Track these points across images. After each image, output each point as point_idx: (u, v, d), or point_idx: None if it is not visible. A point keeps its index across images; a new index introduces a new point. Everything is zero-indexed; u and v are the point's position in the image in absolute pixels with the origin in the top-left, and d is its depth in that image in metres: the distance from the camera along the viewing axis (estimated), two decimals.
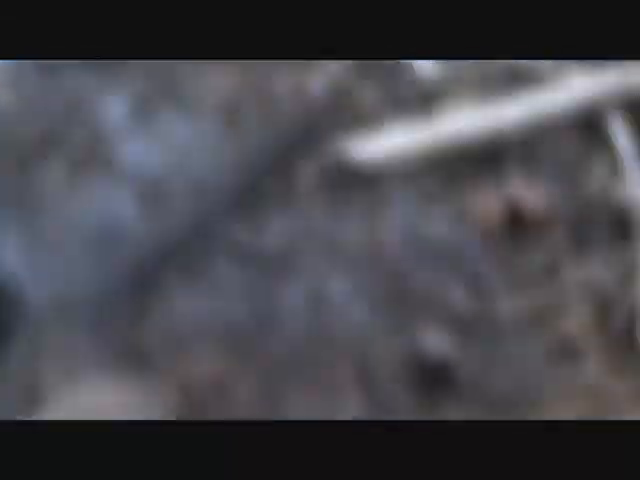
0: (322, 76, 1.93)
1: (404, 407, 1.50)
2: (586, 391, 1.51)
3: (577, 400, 1.50)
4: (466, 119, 1.84)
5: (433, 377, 1.52)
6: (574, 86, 1.88)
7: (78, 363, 1.51)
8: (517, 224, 1.73)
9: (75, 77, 1.92)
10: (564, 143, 1.86)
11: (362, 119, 1.89)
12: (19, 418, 1.41)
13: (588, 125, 1.89)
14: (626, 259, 1.67)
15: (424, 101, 1.92)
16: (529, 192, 1.76)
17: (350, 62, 1.95)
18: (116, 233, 1.69)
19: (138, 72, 1.92)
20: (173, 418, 1.42)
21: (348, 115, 1.89)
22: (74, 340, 1.53)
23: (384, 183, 1.78)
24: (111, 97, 1.91)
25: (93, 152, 1.81)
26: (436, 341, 1.56)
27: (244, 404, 1.49)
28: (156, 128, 1.87)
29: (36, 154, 1.79)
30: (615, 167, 1.81)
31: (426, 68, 1.94)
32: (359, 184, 1.78)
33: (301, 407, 1.49)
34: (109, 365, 1.50)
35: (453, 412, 1.48)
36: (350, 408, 1.50)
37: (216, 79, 1.93)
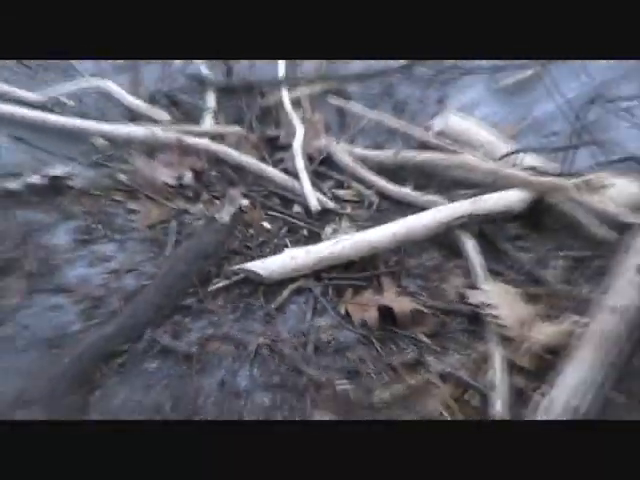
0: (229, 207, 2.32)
1: None
2: None
3: None
4: (347, 241, 2.18)
5: None
6: (437, 212, 2.25)
7: None
8: (390, 325, 2.05)
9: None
10: (428, 258, 2.24)
11: (263, 243, 2.27)
12: None
13: (447, 243, 2.27)
14: (478, 350, 1.99)
15: (313, 227, 2.31)
16: (398, 300, 2.09)
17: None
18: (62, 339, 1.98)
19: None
20: None
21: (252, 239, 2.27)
22: None
23: (282, 293, 2.12)
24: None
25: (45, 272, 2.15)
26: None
27: None
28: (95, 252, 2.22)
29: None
30: (468, 276, 2.16)
31: (313, 202, 2.33)
32: (261, 295, 2.13)
33: None
34: None
35: None
36: None
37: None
